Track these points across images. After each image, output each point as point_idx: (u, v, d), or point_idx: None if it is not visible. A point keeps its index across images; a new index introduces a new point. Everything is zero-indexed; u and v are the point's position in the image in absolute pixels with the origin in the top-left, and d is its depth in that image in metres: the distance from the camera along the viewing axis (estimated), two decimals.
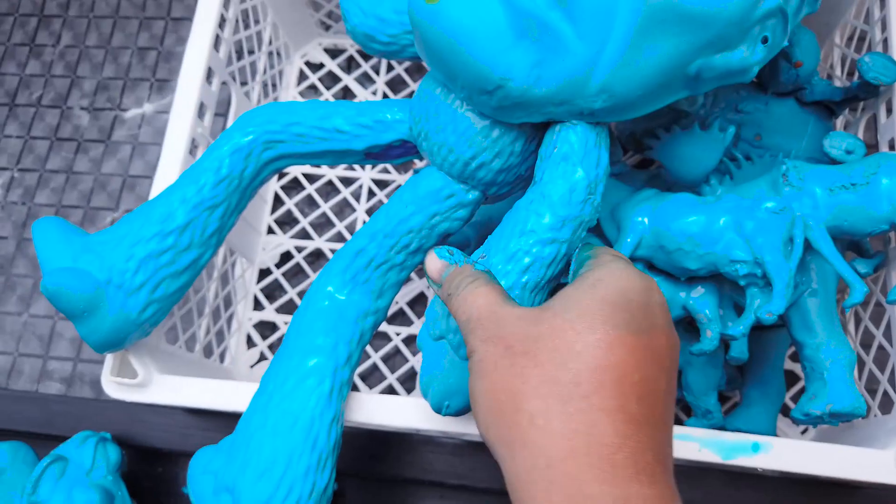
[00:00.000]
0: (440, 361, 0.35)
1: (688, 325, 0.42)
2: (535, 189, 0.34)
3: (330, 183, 0.60)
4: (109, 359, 0.40)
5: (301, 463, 0.34)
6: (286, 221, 0.60)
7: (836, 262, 0.36)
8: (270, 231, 0.59)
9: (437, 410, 0.36)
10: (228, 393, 0.40)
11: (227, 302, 0.54)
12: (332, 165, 0.61)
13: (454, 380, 0.35)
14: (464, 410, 0.36)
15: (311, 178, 0.61)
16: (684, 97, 0.35)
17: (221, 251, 0.53)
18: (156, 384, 0.40)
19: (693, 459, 0.37)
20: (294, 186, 0.61)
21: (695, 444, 0.37)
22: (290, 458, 0.34)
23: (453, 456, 0.46)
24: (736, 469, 0.46)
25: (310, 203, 0.60)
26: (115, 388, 0.40)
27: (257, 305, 0.57)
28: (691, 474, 0.45)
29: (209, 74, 0.48)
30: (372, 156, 0.41)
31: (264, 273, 0.58)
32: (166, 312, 0.39)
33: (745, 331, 0.36)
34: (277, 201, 0.60)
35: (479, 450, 0.46)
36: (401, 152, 0.41)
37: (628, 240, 0.38)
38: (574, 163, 0.34)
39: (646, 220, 0.39)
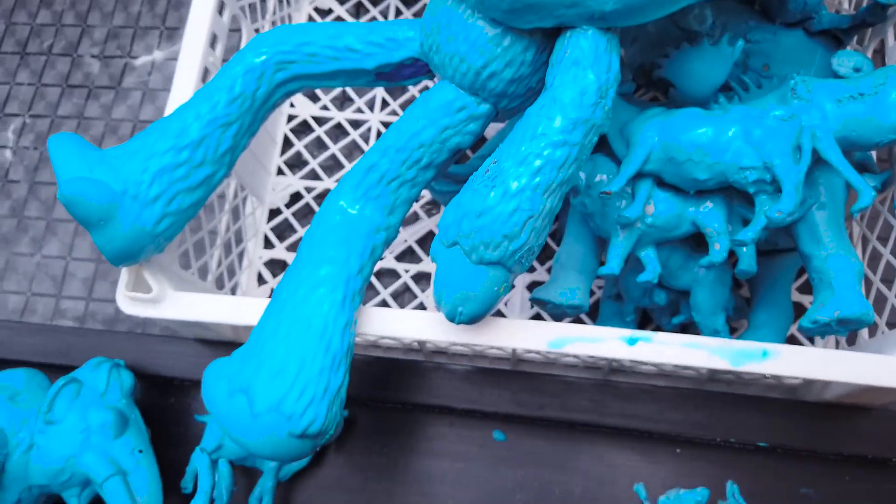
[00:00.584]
0: (453, 268, 0.36)
1: (696, 243, 0.42)
2: (546, 94, 0.35)
3: (339, 126, 0.61)
4: (124, 274, 0.41)
5: (315, 363, 0.35)
6: (295, 164, 0.60)
7: (844, 169, 0.36)
8: (280, 172, 0.59)
9: (451, 318, 0.36)
10: (242, 308, 0.41)
11: (238, 238, 0.55)
12: (342, 103, 0.61)
13: (468, 285, 0.35)
14: (477, 317, 0.36)
15: (321, 121, 0.61)
16: (696, 3, 0.35)
17: (231, 186, 0.53)
18: (169, 300, 0.41)
19: (702, 367, 0.37)
20: (303, 129, 0.61)
21: (703, 352, 0.37)
22: (304, 359, 0.35)
23: (463, 381, 0.47)
24: (742, 393, 0.46)
25: (319, 145, 0.60)
26: (128, 303, 0.41)
27: (267, 244, 0.58)
28: (697, 398, 0.45)
29: (220, 6, 0.49)
30: (383, 76, 0.41)
31: (274, 213, 0.58)
32: (181, 227, 0.40)
33: (754, 236, 0.36)
34: (287, 144, 0.61)
35: (488, 375, 0.47)
36: (412, 72, 0.41)
37: (638, 153, 0.39)
38: (585, 66, 0.34)
39: (655, 134, 0.39)
